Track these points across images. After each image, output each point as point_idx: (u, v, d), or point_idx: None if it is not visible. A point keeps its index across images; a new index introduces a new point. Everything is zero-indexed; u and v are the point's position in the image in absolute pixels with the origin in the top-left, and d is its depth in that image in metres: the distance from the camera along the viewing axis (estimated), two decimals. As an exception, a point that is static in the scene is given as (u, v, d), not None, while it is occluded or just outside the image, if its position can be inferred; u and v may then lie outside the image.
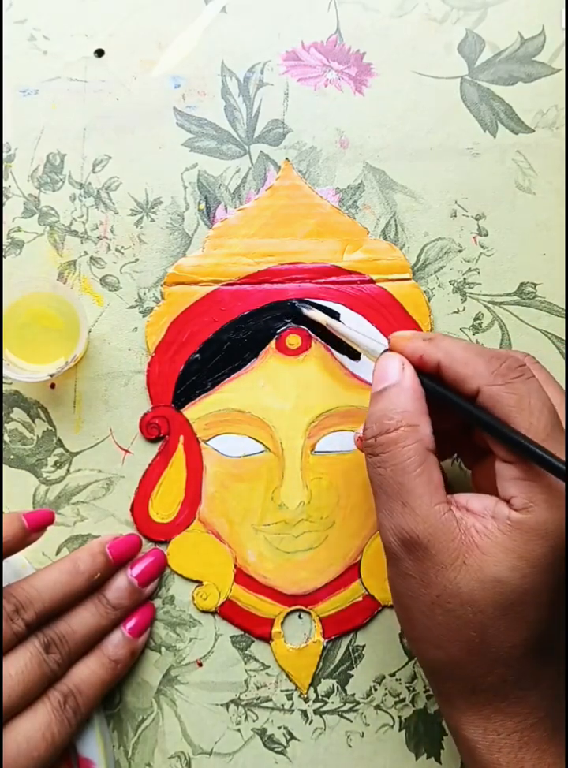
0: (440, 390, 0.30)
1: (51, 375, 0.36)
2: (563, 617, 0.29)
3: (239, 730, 0.37)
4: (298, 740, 0.37)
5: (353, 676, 0.37)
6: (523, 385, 0.28)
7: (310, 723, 0.37)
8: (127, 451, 0.39)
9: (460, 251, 0.39)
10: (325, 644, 0.37)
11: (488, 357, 0.29)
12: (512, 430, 0.28)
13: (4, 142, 0.40)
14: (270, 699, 0.37)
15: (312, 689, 0.37)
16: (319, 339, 0.39)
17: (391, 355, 0.31)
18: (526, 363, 0.29)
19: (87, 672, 0.34)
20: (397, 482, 0.28)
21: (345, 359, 0.38)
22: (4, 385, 0.39)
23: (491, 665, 0.28)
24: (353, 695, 0.37)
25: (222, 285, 0.39)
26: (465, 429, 0.33)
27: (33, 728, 0.32)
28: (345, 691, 0.37)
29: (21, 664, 0.32)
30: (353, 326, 0.37)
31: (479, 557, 0.27)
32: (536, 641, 0.28)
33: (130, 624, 0.36)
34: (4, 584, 0.34)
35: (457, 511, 0.28)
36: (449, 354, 0.30)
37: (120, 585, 0.36)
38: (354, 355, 0.38)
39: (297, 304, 0.38)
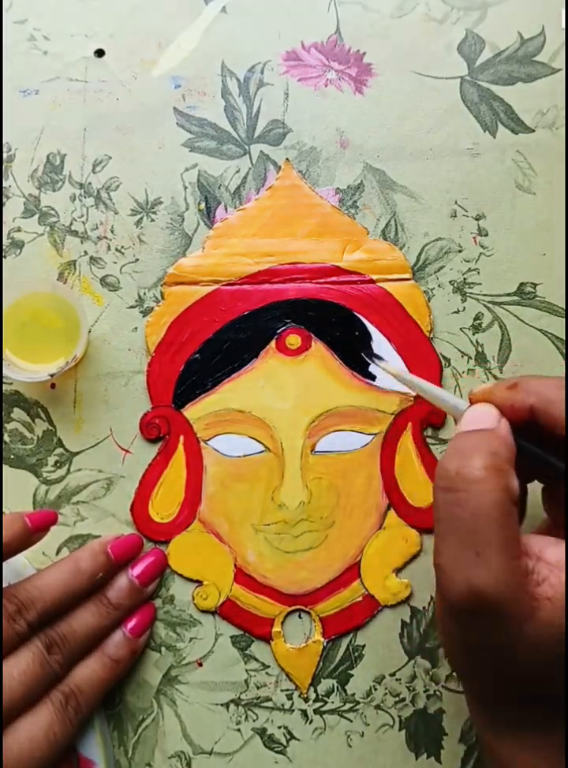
0: (533, 449, 0.28)
1: (51, 375, 0.36)
2: None
3: (239, 730, 0.37)
4: (298, 739, 0.37)
5: (353, 675, 0.37)
6: None
7: (310, 723, 0.37)
8: (127, 451, 0.39)
9: (460, 251, 0.39)
10: (325, 644, 0.38)
11: None
12: None
13: (4, 142, 0.40)
14: (270, 699, 0.37)
15: (312, 689, 0.37)
16: (319, 339, 0.39)
17: (486, 404, 0.29)
18: None
19: (88, 672, 0.34)
20: (474, 528, 0.26)
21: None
22: (4, 385, 0.39)
23: (540, 702, 0.27)
24: (353, 694, 0.37)
25: (222, 285, 0.39)
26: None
27: (35, 728, 0.32)
28: (345, 690, 0.37)
29: (23, 664, 0.32)
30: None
31: (549, 610, 0.25)
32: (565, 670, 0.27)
33: (131, 624, 0.36)
34: (5, 584, 0.34)
35: (529, 560, 0.26)
36: (542, 397, 0.28)
37: (121, 585, 0.36)
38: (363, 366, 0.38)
39: (374, 356, 0.37)
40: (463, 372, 0.39)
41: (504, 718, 0.29)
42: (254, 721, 0.37)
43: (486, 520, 0.25)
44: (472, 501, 0.26)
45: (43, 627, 0.33)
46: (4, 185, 0.40)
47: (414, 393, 0.38)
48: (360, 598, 0.38)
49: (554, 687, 0.27)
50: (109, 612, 0.35)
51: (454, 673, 0.37)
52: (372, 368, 0.38)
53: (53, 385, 0.39)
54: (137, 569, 0.37)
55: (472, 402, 0.30)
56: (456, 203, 0.40)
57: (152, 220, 0.40)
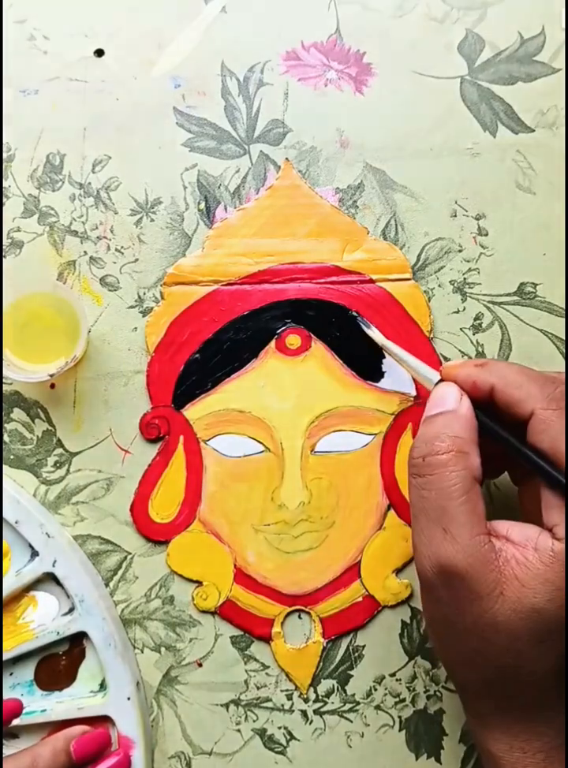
0: (490, 425, 0.31)
1: (51, 375, 0.36)
2: None
3: (239, 730, 0.37)
4: (298, 740, 0.37)
5: (353, 676, 0.37)
6: None
7: (310, 723, 0.37)
8: (127, 451, 0.39)
9: (460, 251, 0.39)
10: (325, 644, 0.37)
11: (542, 381, 0.30)
12: (553, 466, 0.28)
13: (4, 142, 0.40)
14: (270, 699, 0.37)
15: (311, 689, 0.37)
16: (319, 339, 0.39)
17: (449, 384, 0.32)
18: None
19: None
20: (440, 507, 0.28)
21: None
22: (4, 385, 0.39)
23: (522, 687, 0.28)
24: (353, 695, 0.37)
25: (222, 285, 0.39)
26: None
27: None
28: (345, 691, 0.37)
29: None
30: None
31: (517, 588, 0.27)
32: (565, 666, 0.28)
33: None
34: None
35: (496, 541, 0.28)
36: (503, 378, 0.30)
37: None
38: (364, 370, 0.38)
39: (358, 317, 0.38)
40: (463, 372, 0.39)
41: (490, 712, 0.29)
42: (254, 721, 0.37)
43: (451, 499, 0.28)
44: (438, 484, 0.28)
45: None
46: (4, 185, 0.40)
47: (413, 393, 0.38)
48: (360, 599, 0.38)
49: (529, 675, 0.28)
50: None
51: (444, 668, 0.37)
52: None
53: (52, 385, 0.39)
54: None
55: (442, 375, 0.33)
56: (456, 202, 0.40)
57: (152, 220, 0.40)
